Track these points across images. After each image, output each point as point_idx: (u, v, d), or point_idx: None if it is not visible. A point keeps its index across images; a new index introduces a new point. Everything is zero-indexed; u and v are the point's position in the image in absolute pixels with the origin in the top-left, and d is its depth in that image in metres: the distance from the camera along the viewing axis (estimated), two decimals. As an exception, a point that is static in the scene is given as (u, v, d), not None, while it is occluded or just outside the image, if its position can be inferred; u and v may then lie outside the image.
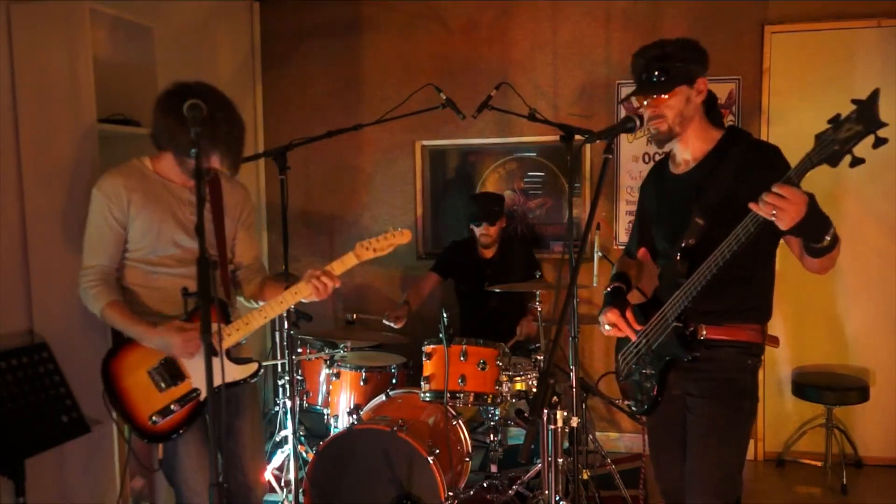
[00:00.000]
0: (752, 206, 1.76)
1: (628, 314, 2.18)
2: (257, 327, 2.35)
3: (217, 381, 2.18)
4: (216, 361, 2.04)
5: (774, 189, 1.70)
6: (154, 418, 2.24)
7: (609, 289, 2.29)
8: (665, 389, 2.15)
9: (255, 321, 2.33)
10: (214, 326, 2.15)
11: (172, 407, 2.25)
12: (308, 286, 2.31)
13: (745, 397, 2.08)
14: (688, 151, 2.12)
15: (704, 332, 2.05)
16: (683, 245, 2.04)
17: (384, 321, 3.71)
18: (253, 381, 2.40)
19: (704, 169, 2.07)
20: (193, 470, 2.30)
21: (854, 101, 1.60)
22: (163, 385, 2.26)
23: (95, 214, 2.28)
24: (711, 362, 2.06)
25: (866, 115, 1.58)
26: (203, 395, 2.27)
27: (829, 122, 1.65)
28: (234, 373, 2.33)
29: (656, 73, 2.02)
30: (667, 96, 2.02)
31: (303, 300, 2.34)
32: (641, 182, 2.25)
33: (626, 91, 4.07)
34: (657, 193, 2.26)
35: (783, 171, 1.92)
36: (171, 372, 2.27)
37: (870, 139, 1.59)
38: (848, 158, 1.63)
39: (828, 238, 1.80)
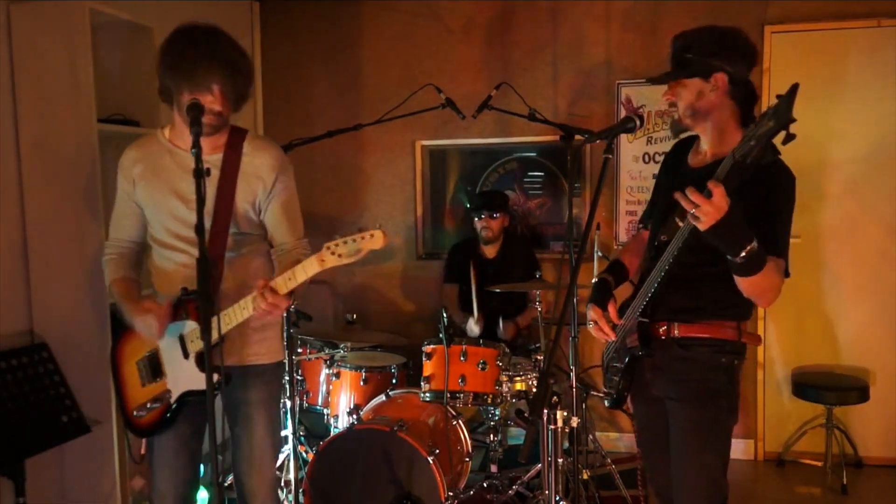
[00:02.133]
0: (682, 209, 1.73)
1: (611, 310, 2.12)
2: (227, 330, 2.07)
3: (187, 387, 2.11)
4: (216, 356, 1.95)
5: (709, 185, 1.66)
6: (136, 412, 2.19)
7: (596, 279, 2.23)
8: (633, 385, 2.13)
9: (223, 325, 2.04)
10: (192, 324, 2.08)
11: (149, 405, 2.17)
12: (250, 303, 2.03)
13: (722, 397, 2.03)
14: (707, 145, 2.06)
15: (678, 330, 2.02)
16: (657, 242, 2.02)
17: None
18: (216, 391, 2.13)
19: (713, 170, 1.97)
20: (161, 470, 2.22)
21: (777, 97, 1.58)
22: (145, 380, 2.20)
23: (118, 187, 2.23)
24: (685, 362, 2.02)
25: (780, 111, 1.56)
26: (173, 396, 2.14)
27: (760, 116, 1.63)
28: (198, 381, 2.10)
29: (675, 61, 2.00)
30: (678, 87, 1.98)
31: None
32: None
33: (626, 91, 4.08)
34: (667, 177, 2.23)
35: (780, 196, 1.92)
36: (152, 367, 2.19)
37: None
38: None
39: (743, 253, 1.72)
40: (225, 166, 2.12)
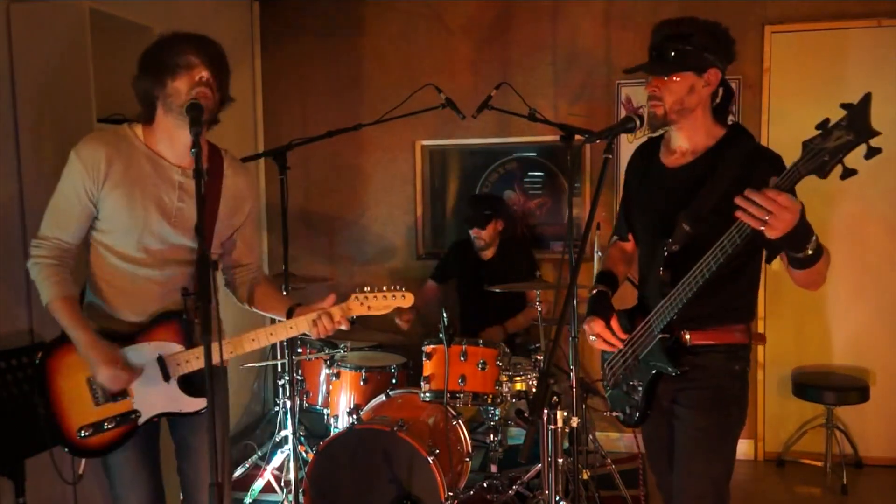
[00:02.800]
0: (738, 214, 1.64)
1: (614, 323, 2.06)
2: (239, 354, 2.09)
3: (161, 409, 2.05)
4: (215, 351, 1.90)
5: (769, 194, 1.58)
6: (83, 432, 2.00)
7: (593, 292, 2.16)
8: (654, 401, 2.07)
9: (241, 346, 2.07)
10: (175, 347, 2.02)
11: (106, 425, 2.01)
12: (307, 324, 2.08)
13: (734, 405, 2.00)
14: (685, 142, 2.00)
15: (688, 337, 1.96)
16: (667, 253, 1.95)
17: (396, 320, 3.74)
18: (196, 415, 2.10)
19: (699, 168, 1.95)
20: (126, 486, 2.12)
21: (844, 106, 1.50)
22: (100, 398, 2.02)
23: (66, 181, 2.00)
24: (698, 370, 1.97)
25: (858, 123, 1.46)
26: (143, 418, 2.05)
27: (818, 127, 1.53)
28: (180, 404, 2.06)
29: (663, 52, 1.92)
30: (667, 78, 1.91)
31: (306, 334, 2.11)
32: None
33: (626, 91, 4.08)
34: (642, 180, 2.14)
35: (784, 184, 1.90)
36: (100, 385, 2.02)
37: (861, 148, 1.48)
38: (839, 169, 1.51)
39: (809, 248, 1.68)
40: (209, 183, 2.03)
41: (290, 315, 2.15)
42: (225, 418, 2.30)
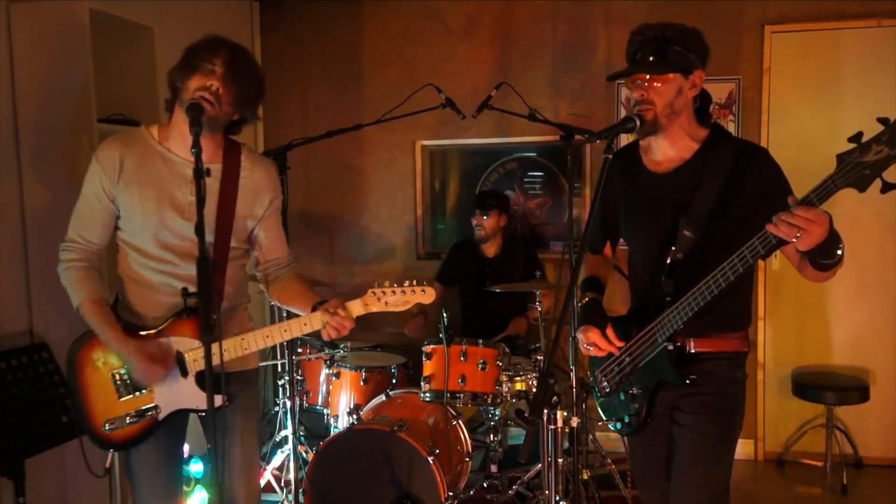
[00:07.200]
0: (770, 227, 1.62)
1: (609, 332, 2.05)
2: (253, 350, 2.08)
3: (181, 405, 2.05)
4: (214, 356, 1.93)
5: (799, 212, 1.57)
6: (107, 425, 2.03)
7: (584, 301, 2.13)
8: (653, 409, 2.04)
9: (252, 343, 2.06)
10: (194, 343, 2.02)
11: (128, 419, 2.03)
12: (321, 320, 2.03)
13: (736, 413, 2.00)
14: (672, 149, 1.98)
15: (692, 345, 1.95)
16: (670, 261, 1.93)
17: (405, 329, 3.81)
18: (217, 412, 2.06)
19: (690, 172, 1.95)
20: (145, 487, 2.12)
21: (881, 121, 1.49)
22: (123, 392, 2.04)
23: (87, 183, 2.05)
24: (703, 377, 1.95)
25: (895, 138, 1.45)
26: (162, 414, 2.05)
27: (852, 140, 1.51)
28: (198, 400, 2.05)
29: (652, 53, 1.89)
30: (658, 82, 1.89)
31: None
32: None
33: (626, 91, 4.07)
34: (629, 191, 2.10)
35: (777, 177, 1.89)
36: (135, 381, 2.04)
37: None
38: (878, 183, 1.49)
39: (839, 253, 1.69)
40: (224, 177, 2.09)
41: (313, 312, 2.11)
42: (257, 420, 2.29)
